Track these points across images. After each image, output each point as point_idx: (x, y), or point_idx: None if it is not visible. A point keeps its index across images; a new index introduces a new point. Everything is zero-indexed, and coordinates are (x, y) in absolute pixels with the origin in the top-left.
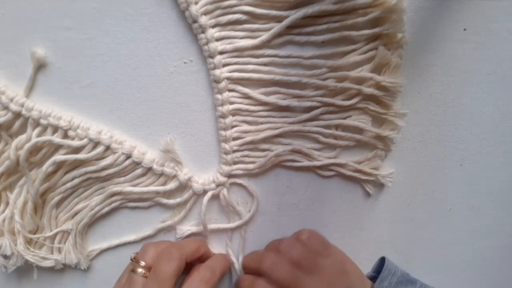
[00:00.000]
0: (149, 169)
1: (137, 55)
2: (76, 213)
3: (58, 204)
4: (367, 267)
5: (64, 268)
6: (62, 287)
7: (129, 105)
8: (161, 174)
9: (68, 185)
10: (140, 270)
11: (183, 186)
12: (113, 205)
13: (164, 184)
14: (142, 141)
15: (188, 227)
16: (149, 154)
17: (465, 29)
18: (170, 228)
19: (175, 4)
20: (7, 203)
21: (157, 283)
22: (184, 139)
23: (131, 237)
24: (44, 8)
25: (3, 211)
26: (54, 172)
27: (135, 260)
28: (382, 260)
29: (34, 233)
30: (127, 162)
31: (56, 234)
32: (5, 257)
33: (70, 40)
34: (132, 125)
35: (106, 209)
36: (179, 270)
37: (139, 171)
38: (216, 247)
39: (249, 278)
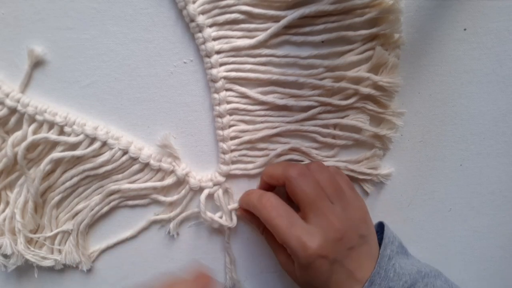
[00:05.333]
0: (147, 164)
1: (137, 55)
2: (76, 213)
3: (59, 204)
4: None
5: (64, 268)
6: (62, 286)
7: (129, 105)
8: (159, 169)
9: (67, 184)
10: None
11: (180, 182)
12: (112, 204)
13: (161, 180)
14: (142, 141)
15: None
16: (146, 150)
17: (465, 29)
18: (164, 223)
19: (174, 4)
20: (7, 203)
21: None
22: (184, 139)
23: (127, 233)
24: (44, 8)
25: (3, 211)
26: (53, 171)
27: None
28: (381, 226)
29: (35, 233)
30: (124, 158)
31: (56, 234)
32: (5, 256)
33: (70, 40)
34: (132, 125)
35: (106, 208)
36: None
37: (136, 167)
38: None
39: (258, 191)
